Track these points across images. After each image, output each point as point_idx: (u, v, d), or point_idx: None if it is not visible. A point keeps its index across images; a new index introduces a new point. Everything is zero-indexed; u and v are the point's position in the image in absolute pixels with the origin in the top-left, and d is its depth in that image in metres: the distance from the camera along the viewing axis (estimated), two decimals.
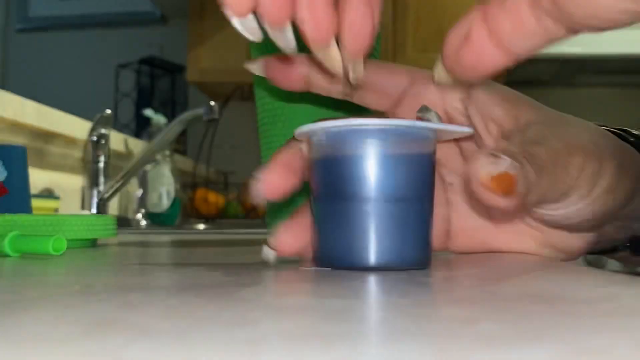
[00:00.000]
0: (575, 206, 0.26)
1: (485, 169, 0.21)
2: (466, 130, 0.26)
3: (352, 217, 0.24)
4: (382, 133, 0.24)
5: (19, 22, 2.57)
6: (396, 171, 0.24)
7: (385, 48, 1.89)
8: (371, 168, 0.24)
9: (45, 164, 1.08)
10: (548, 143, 0.24)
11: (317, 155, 0.26)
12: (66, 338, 0.11)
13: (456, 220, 0.30)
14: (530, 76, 1.94)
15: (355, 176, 0.24)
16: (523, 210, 0.27)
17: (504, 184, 0.21)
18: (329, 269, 0.25)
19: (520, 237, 0.30)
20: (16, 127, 0.98)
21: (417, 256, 0.25)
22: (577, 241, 0.29)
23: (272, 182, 0.26)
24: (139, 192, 1.31)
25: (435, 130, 0.26)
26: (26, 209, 0.59)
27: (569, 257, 0.30)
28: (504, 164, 0.21)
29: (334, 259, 0.25)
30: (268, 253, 0.27)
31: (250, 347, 0.11)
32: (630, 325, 0.13)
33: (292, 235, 0.27)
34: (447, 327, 0.12)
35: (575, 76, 2.05)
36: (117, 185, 1.13)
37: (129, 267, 0.27)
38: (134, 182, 1.33)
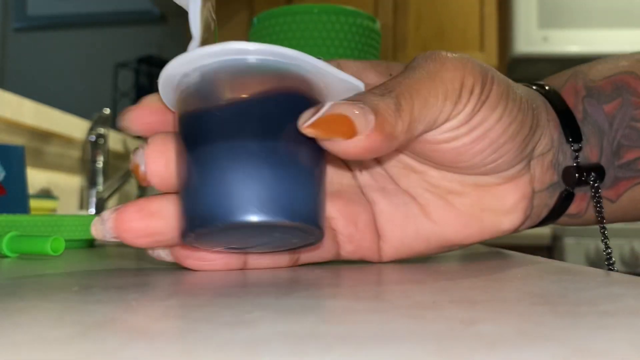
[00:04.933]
0: (466, 128, 0.25)
1: (303, 118, 0.21)
2: (359, 84, 0.23)
3: (224, 164, 0.21)
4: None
5: (17, 21, 2.57)
6: (274, 111, 0.21)
7: (385, 47, 1.89)
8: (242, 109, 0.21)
9: (44, 164, 1.08)
10: (408, 74, 0.24)
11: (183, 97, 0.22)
12: (64, 339, 0.11)
13: (383, 219, 0.28)
14: (531, 76, 1.94)
15: (219, 117, 0.21)
16: (410, 141, 0.24)
17: (339, 126, 0.21)
18: (208, 230, 0.21)
19: (455, 215, 0.27)
20: (14, 126, 0.97)
21: (307, 213, 0.21)
22: (512, 194, 0.27)
23: (141, 115, 0.24)
24: (138, 192, 1.31)
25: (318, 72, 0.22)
26: (24, 209, 0.58)
27: (515, 221, 0.28)
28: (324, 108, 0.21)
29: (208, 217, 0.21)
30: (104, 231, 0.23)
31: (249, 348, 0.11)
32: (633, 325, 0.12)
33: (141, 214, 0.23)
34: (447, 328, 0.12)
35: None
36: (116, 185, 1.13)
37: (127, 268, 0.27)
38: (132, 182, 1.33)
